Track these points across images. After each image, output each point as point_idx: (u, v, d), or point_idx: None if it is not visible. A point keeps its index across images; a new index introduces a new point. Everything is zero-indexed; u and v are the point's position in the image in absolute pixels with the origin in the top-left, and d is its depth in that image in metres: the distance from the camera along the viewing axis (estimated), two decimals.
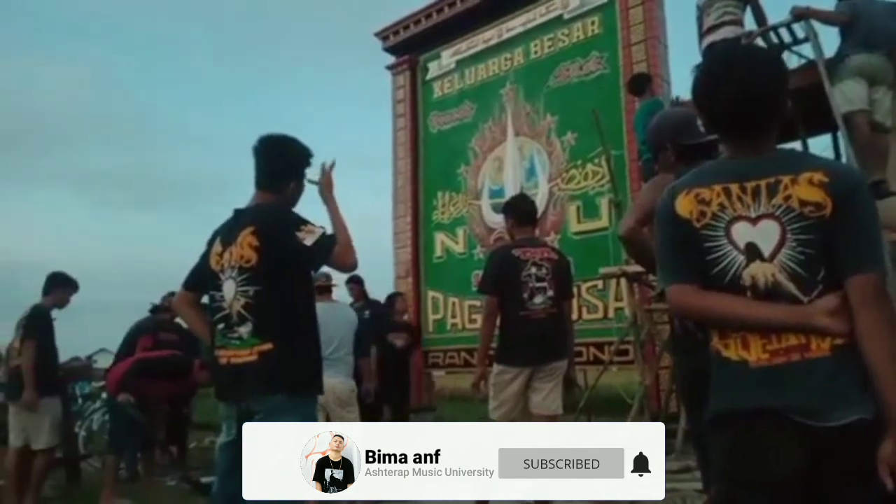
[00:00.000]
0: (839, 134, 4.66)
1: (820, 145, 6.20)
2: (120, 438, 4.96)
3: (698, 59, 5.24)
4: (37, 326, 4.67)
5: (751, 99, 1.38)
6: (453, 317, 7.30)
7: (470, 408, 7.47)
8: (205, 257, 2.40)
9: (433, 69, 8.05)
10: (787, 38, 5.35)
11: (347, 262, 2.30)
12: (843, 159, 4.98)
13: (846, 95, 4.44)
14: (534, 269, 3.47)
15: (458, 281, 7.25)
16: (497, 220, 6.98)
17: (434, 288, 7.55)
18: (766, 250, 1.31)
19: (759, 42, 5.32)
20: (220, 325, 2.28)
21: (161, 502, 4.62)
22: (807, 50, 5.08)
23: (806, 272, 1.29)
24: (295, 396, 2.20)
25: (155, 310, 5.88)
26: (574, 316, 6.07)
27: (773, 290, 1.30)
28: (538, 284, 3.46)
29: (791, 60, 5.42)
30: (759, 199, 1.33)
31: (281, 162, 2.40)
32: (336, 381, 4.33)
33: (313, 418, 2.32)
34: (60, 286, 4.85)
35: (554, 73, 6.83)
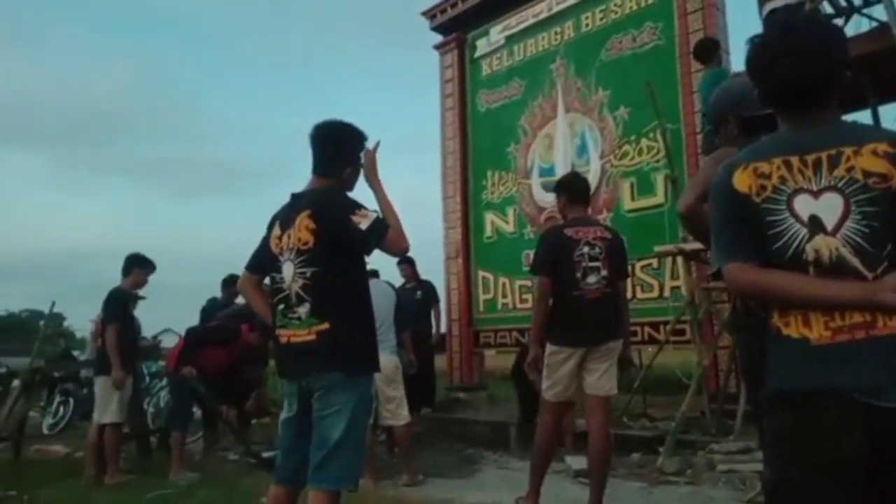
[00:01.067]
0: None
1: (892, 114, 5.87)
2: (183, 415, 5.20)
3: (759, 27, 5.01)
4: (115, 308, 4.95)
5: (809, 71, 1.32)
6: (504, 296, 7.29)
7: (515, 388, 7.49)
8: (265, 240, 2.48)
9: (481, 46, 7.96)
10: (857, 0, 5.04)
11: (400, 246, 2.35)
12: None
13: None
14: (587, 249, 3.42)
15: (509, 261, 7.22)
16: (547, 199, 6.89)
17: (484, 268, 7.55)
18: (829, 223, 1.27)
19: (827, 6, 5.04)
20: (281, 306, 2.36)
21: (225, 475, 4.83)
22: (879, 12, 4.78)
23: (871, 247, 1.24)
24: (353, 374, 2.27)
25: (227, 284, 6.06)
26: (628, 295, 6.02)
27: (837, 264, 1.25)
28: (591, 264, 3.41)
29: (861, 24, 5.12)
30: (821, 172, 1.29)
31: (335, 149, 2.45)
32: (381, 359, 4.40)
33: (370, 395, 2.40)
34: (139, 267, 5.12)
35: (606, 45, 6.65)
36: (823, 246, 1.26)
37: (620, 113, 6.44)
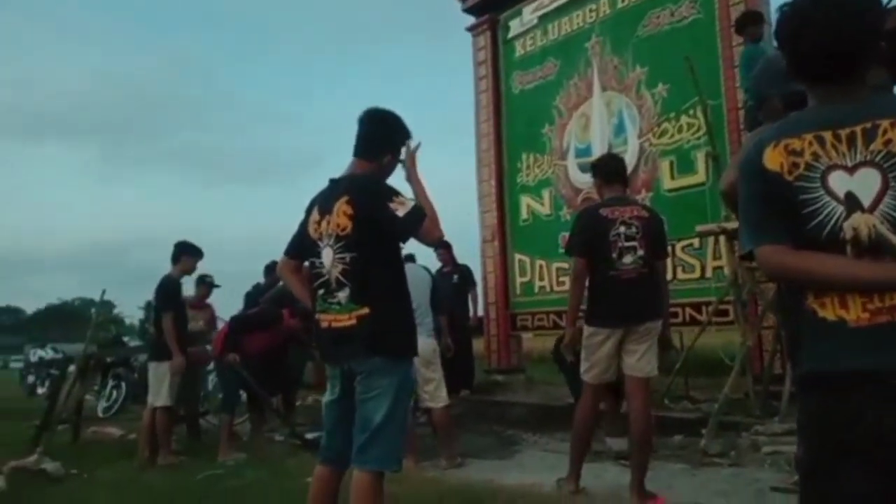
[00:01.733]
0: None
1: None
2: (230, 398, 5.37)
3: None
4: (167, 297, 5.10)
5: (839, 39, 1.26)
6: (541, 279, 7.25)
7: (558, 369, 7.47)
8: (303, 225, 2.52)
9: (514, 27, 7.85)
10: None
11: (435, 236, 2.38)
12: None
13: None
14: (623, 229, 3.37)
15: (545, 243, 7.17)
16: (584, 180, 6.79)
17: (521, 251, 7.51)
18: (866, 200, 1.22)
19: None
20: (321, 291, 2.40)
21: (271, 456, 4.97)
22: None
23: None
24: (394, 358, 2.31)
25: (269, 271, 6.22)
26: (669, 276, 5.92)
27: (875, 243, 1.20)
28: (627, 244, 3.36)
29: None
30: (856, 146, 1.23)
31: (381, 132, 2.48)
32: (419, 341, 4.44)
33: (411, 378, 2.43)
34: (187, 254, 5.24)
35: (643, 21, 6.48)
36: (861, 224, 1.21)
37: (659, 90, 6.29)
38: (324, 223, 2.39)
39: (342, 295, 2.32)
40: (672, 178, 6.11)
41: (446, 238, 7.49)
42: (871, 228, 1.20)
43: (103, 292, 6.96)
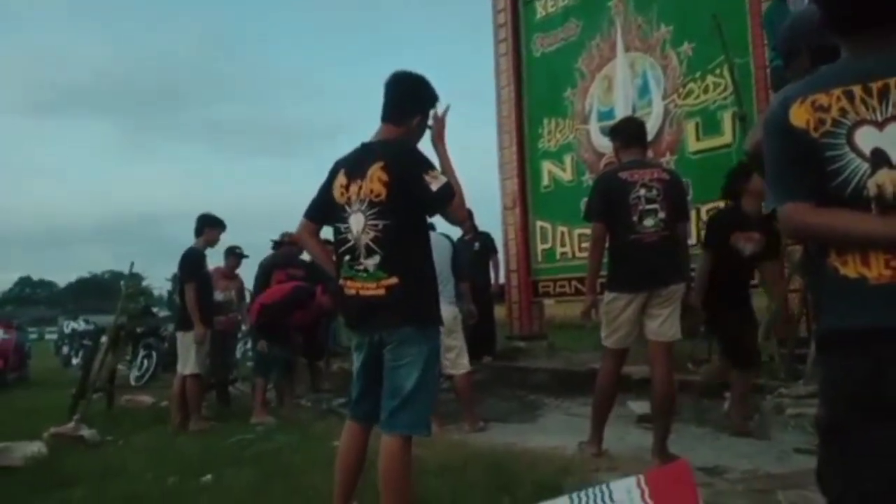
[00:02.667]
0: None
1: None
2: (264, 364, 5.52)
3: None
4: (191, 268, 5.20)
5: None
6: (563, 245, 7.20)
7: (581, 336, 7.48)
8: (326, 189, 2.48)
9: None
10: None
11: (461, 215, 2.40)
12: None
13: None
14: (643, 191, 3.32)
15: (567, 209, 7.09)
16: (607, 145, 6.59)
17: (542, 217, 7.46)
18: (895, 156, 1.17)
19: None
20: (347, 257, 2.38)
21: (300, 421, 5.09)
22: None
23: None
24: (423, 327, 2.33)
25: (277, 245, 6.35)
26: (692, 240, 5.84)
27: None
28: (648, 206, 3.31)
29: None
30: (887, 100, 1.19)
31: (409, 95, 2.44)
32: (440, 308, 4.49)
33: (438, 345, 2.47)
34: (210, 226, 5.33)
35: None
36: (887, 181, 1.17)
37: (684, 49, 6.11)
38: (353, 188, 2.35)
39: (370, 262, 2.30)
40: (697, 139, 5.97)
41: (468, 205, 7.48)
42: None
43: (132, 265, 7.13)
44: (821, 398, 1.35)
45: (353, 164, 2.39)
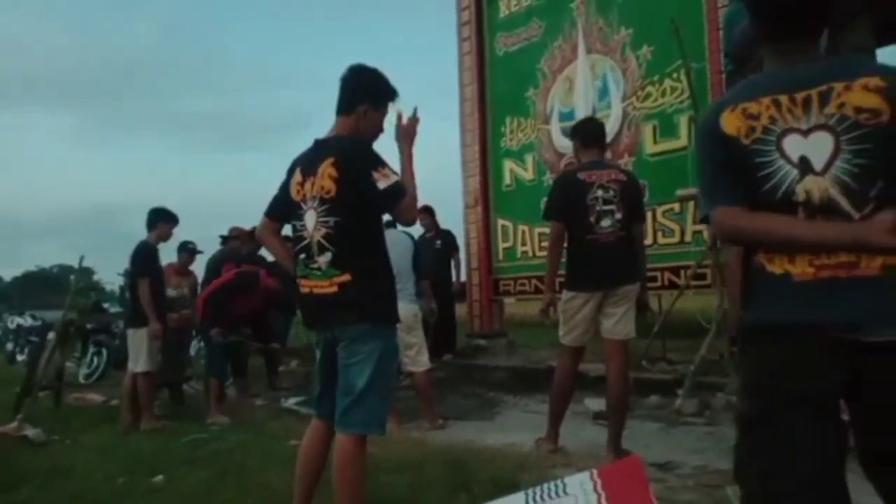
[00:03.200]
0: None
1: None
2: (218, 362, 5.41)
3: None
4: (144, 262, 5.08)
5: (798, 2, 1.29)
6: (523, 244, 7.27)
7: (540, 334, 7.56)
8: (285, 187, 2.46)
9: None
10: None
11: (409, 217, 2.38)
12: None
13: None
14: (600, 192, 3.39)
15: (528, 208, 7.15)
16: (567, 145, 6.71)
17: (503, 216, 7.51)
18: (819, 163, 1.25)
19: None
20: (302, 255, 2.36)
21: (256, 420, 5.02)
22: None
23: (859, 186, 1.22)
24: (377, 324, 2.31)
25: (225, 240, 6.21)
26: (649, 240, 5.97)
27: (826, 205, 1.24)
28: (605, 207, 3.38)
29: None
30: (811, 110, 1.26)
31: (355, 85, 2.40)
32: (399, 307, 4.48)
33: (394, 343, 2.44)
34: (163, 220, 5.22)
35: None
36: (814, 187, 1.25)
37: (643, 52, 6.23)
38: (307, 185, 2.34)
39: (323, 260, 2.29)
40: (654, 142, 6.10)
41: (430, 203, 7.46)
42: (822, 191, 1.24)
43: (81, 259, 6.87)
44: (742, 391, 1.41)
45: (308, 162, 2.38)
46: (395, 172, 2.31)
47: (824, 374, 1.22)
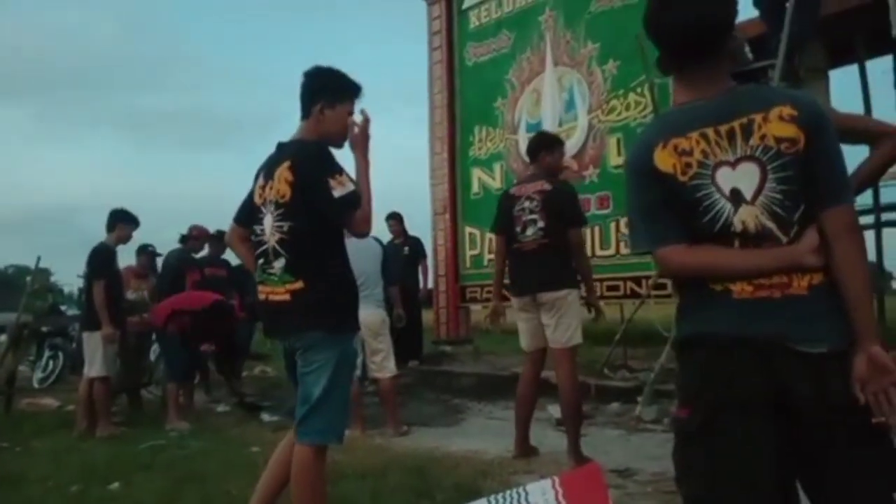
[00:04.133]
0: None
1: (882, 66, 5.84)
2: (177, 366, 5.30)
3: None
4: (101, 264, 4.96)
5: (699, 16, 1.34)
6: (490, 252, 7.27)
7: (506, 341, 7.62)
8: (251, 192, 2.43)
9: None
10: None
11: (363, 229, 2.27)
12: None
13: None
14: (526, 203, 3.61)
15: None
16: None
17: (471, 224, 7.56)
18: (749, 193, 1.32)
19: None
20: (261, 261, 2.33)
21: (216, 426, 4.94)
22: None
23: (785, 211, 1.30)
24: (332, 332, 2.24)
25: (184, 239, 6.10)
26: (611, 250, 6.09)
27: (760, 232, 1.32)
28: (529, 217, 3.59)
29: None
30: (736, 142, 1.32)
31: (311, 84, 2.34)
32: (366, 313, 4.49)
33: (352, 351, 2.38)
34: (122, 222, 5.09)
35: None
36: (748, 217, 1.32)
37: (609, 67, 6.36)
38: (267, 189, 2.30)
39: (278, 265, 2.24)
40: (619, 154, 6.22)
41: (399, 209, 7.44)
42: (755, 220, 1.31)
43: (38, 259, 6.69)
44: (679, 399, 1.46)
45: (269, 166, 2.34)
46: (352, 181, 2.23)
47: (756, 381, 1.29)
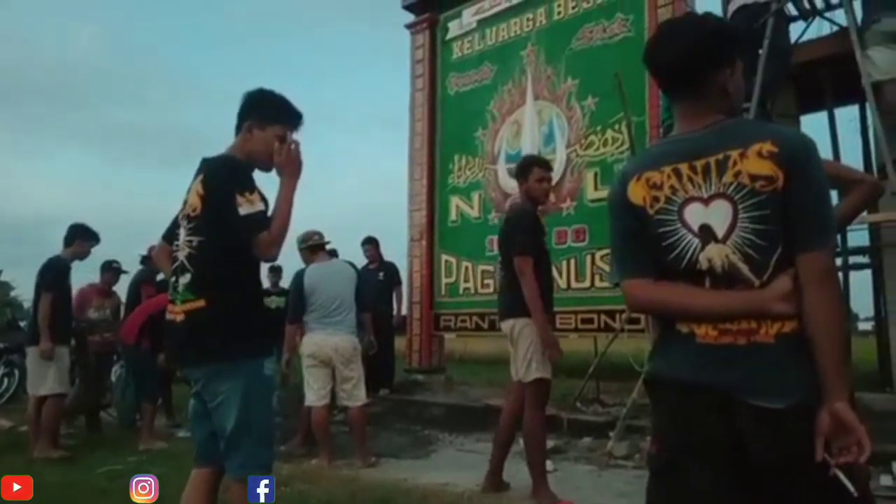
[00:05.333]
0: (867, 104, 4.53)
1: (848, 115, 6.05)
2: (149, 387, 5.15)
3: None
4: (53, 277, 4.78)
5: (677, 56, 1.38)
6: (466, 280, 7.31)
7: (479, 370, 7.58)
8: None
9: (453, 28, 7.89)
10: (819, 3, 5.17)
11: (266, 254, 2.10)
12: (871, 131, 4.86)
13: (875, 63, 4.30)
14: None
15: (472, 245, 7.24)
16: (513, 186, 6.91)
17: (447, 251, 7.55)
18: (720, 231, 1.28)
19: (790, 7, 5.15)
20: (173, 278, 2.19)
21: (176, 450, 4.78)
22: (840, 16, 4.92)
23: (758, 253, 1.26)
24: (235, 359, 2.06)
25: (144, 259, 5.97)
26: (587, 283, 6.13)
27: (730, 272, 1.28)
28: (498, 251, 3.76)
29: (823, 27, 5.25)
30: (710, 178, 1.30)
31: (242, 103, 2.25)
32: (338, 338, 4.44)
33: (261, 376, 2.12)
34: (82, 238, 4.94)
35: (577, 35, 6.66)
36: (716, 255, 1.29)
37: (588, 103, 6.48)
38: (185, 203, 2.21)
39: (183, 281, 2.10)
40: (595, 188, 6.31)
41: (375, 234, 7.40)
42: (724, 259, 1.28)
43: None
44: (653, 435, 1.46)
45: (192, 180, 2.24)
46: (264, 200, 2.08)
47: (715, 428, 1.27)
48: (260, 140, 2.19)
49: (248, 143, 2.20)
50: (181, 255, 2.14)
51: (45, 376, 4.64)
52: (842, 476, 1.20)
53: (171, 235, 2.35)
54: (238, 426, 2.04)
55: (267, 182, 2.20)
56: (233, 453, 2.07)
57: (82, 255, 5.00)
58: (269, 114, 2.22)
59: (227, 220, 2.04)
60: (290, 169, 2.17)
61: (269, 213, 2.10)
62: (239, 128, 2.23)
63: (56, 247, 5.03)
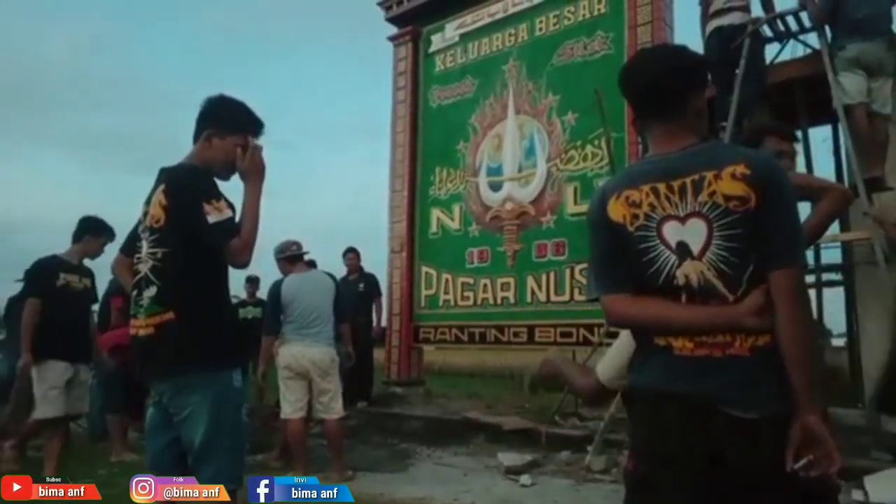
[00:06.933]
0: (840, 125, 4.65)
1: (821, 135, 6.20)
2: (118, 398, 5.04)
3: (701, 42, 5.19)
4: (40, 280, 4.20)
5: (649, 82, 1.45)
6: (446, 293, 7.31)
7: (458, 383, 7.56)
8: (139, 220, 2.27)
9: (436, 42, 7.94)
10: (794, 26, 5.30)
11: (239, 260, 2.07)
12: (843, 151, 4.98)
13: (844, 88, 4.42)
14: None
15: (452, 257, 7.25)
16: (493, 198, 6.96)
17: (428, 263, 7.55)
18: (696, 248, 1.34)
19: (766, 29, 5.28)
20: (134, 292, 2.14)
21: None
22: (813, 39, 5.05)
23: (732, 270, 1.31)
24: (203, 371, 2.03)
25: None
26: (566, 296, 6.17)
27: (705, 288, 1.33)
28: None
29: (797, 49, 5.39)
30: (686, 198, 1.35)
31: (205, 112, 2.20)
32: (316, 350, 4.40)
33: (232, 388, 2.09)
34: (93, 233, 4.33)
35: (558, 51, 6.75)
36: (692, 271, 1.34)
37: (568, 118, 6.56)
38: (146, 215, 2.16)
39: (148, 294, 2.06)
40: (575, 203, 6.36)
41: (356, 245, 7.36)
42: (700, 275, 1.33)
43: None
44: (629, 450, 1.47)
45: (151, 191, 2.18)
46: (231, 207, 2.06)
47: (689, 439, 1.29)
48: (219, 149, 2.15)
49: (207, 151, 2.16)
50: (144, 268, 2.09)
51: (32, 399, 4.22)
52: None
53: (130, 247, 2.29)
54: (207, 439, 1.99)
55: (231, 190, 2.17)
56: (203, 466, 2.02)
57: (93, 254, 4.40)
58: (229, 123, 2.17)
59: (194, 231, 2.00)
60: (254, 174, 2.13)
61: (237, 219, 2.07)
62: (198, 135, 2.18)
63: (30, 251, 4.86)
